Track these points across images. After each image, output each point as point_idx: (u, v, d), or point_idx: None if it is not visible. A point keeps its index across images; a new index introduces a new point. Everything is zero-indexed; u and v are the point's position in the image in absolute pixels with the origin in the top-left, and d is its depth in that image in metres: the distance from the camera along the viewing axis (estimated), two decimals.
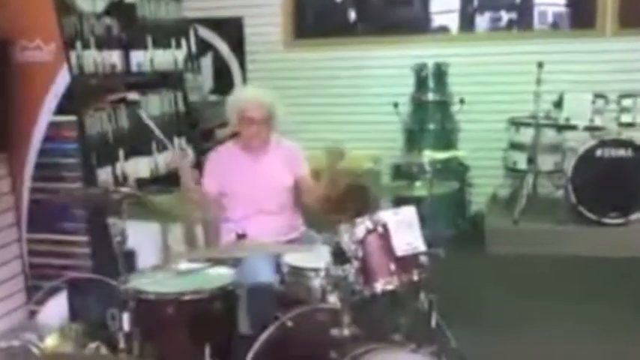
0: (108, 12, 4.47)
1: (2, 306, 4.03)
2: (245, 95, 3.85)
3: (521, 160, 5.74)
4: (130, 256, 3.61)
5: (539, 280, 4.93)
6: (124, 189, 3.00)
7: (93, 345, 3.28)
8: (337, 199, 3.84)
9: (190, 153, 3.89)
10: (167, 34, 5.05)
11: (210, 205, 3.76)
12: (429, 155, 3.86)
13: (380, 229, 2.84)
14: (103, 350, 3.19)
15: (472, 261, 5.26)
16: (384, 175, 6.35)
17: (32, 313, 4.05)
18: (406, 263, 2.84)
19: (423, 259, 2.89)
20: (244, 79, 6.76)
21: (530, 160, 5.64)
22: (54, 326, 3.54)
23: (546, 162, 5.73)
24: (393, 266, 2.82)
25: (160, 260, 3.95)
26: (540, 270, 5.09)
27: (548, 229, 5.51)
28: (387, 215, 2.88)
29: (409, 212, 2.94)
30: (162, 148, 4.82)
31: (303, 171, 3.86)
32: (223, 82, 6.60)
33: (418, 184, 3.82)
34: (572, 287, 4.77)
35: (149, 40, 4.78)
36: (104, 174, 4.22)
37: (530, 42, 6.14)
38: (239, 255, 3.18)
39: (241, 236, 3.00)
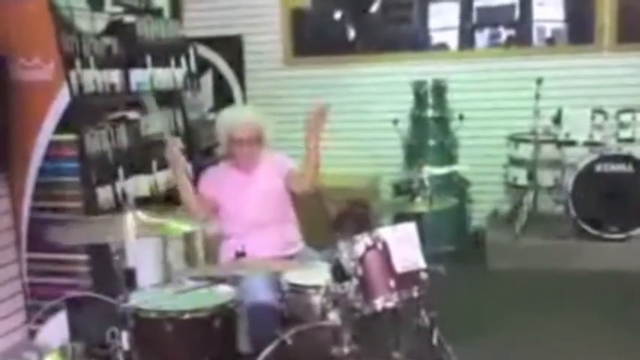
0: (107, 31, 4.49)
1: (2, 325, 4.02)
2: (232, 116, 3.86)
3: (521, 176, 5.75)
4: (129, 274, 3.61)
5: (540, 296, 4.91)
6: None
7: None
8: (337, 216, 3.83)
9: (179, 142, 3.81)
10: (166, 52, 5.06)
11: (203, 207, 3.76)
12: (429, 171, 3.86)
13: (379, 245, 2.83)
14: None
15: (473, 277, 5.25)
16: (385, 191, 6.36)
17: (32, 333, 4.04)
18: (406, 280, 2.83)
19: (423, 275, 2.88)
20: (244, 97, 6.78)
21: (530, 176, 5.65)
22: (54, 346, 3.53)
23: (546, 177, 5.74)
24: (392, 283, 2.81)
25: (159, 278, 3.94)
26: (541, 285, 5.08)
27: (549, 245, 5.50)
28: (387, 232, 2.88)
29: (409, 229, 2.93)
30: (162, 166, 4.83)
31: (290, 167, 3.86)
32: (223, 100, 6.62)
33: (418, 200, 3.81)
34: (573, 302, 4.76)
35: (148, 59, 4.79)
36: (104, 193, 4.22)
37: (528, 58, 6.16)
38: (239, 273, 3.18)
39: (240, 254, 3.00)
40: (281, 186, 3.84)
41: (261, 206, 3.75)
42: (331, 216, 5.86)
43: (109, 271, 2.97)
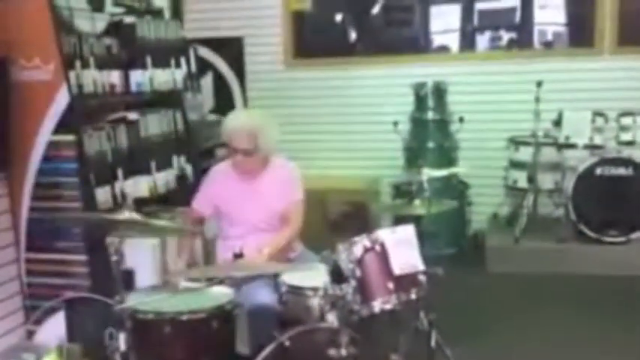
0: (107, 32, 4.48)
1: (0, 326, 4.01)
2: (231, 125, 3.77)
3: (521, 179, 5.74)
4: (128, 275, 3.61)
5: (539, 299, 4.91)
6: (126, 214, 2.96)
7: None
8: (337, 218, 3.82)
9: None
10: (167, 53, 5.05)
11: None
12: (429, 173, 3.85)
13: (378, 247, 2.83)
14: None
15: (472, 280, 5.24)
16: (384, 193, 6.35)
17: (30, 333, 4.03)
18: (404, 282, 2.83)
19: (422, 277, 2.88)
20: (244, 99, 6.77)
21: (531, 179, 5.64)
22: (51, 346, 3.53)
23: (546, 180, 5.73)
24: (391, 285, 2.81)
25: (158, 279, 3.93)
26: (541, 288, 5.08)
27: (549, 248, 5.49)
28: (385, 234, 2.88)
29: (407, 231, 2.93)
30: (161, 167, 4.82)
31: (295, 197, 3.79)
32: (223, 102, 6.63)
33: (417, 202, 3.80)
34: (573, 306, 4.75)
35: (148, 59, 4.78)
36: (103, 193, 4.20)
37: (529, 61, 6.16)
38: (237, 275, 3.17)
39: (238, 256, 2.99)
40: (281, 205, 3.75)
41: (260, 214, 3.71)
42: (331, 217, 5.87)
43: (108, 272, 2.95)
